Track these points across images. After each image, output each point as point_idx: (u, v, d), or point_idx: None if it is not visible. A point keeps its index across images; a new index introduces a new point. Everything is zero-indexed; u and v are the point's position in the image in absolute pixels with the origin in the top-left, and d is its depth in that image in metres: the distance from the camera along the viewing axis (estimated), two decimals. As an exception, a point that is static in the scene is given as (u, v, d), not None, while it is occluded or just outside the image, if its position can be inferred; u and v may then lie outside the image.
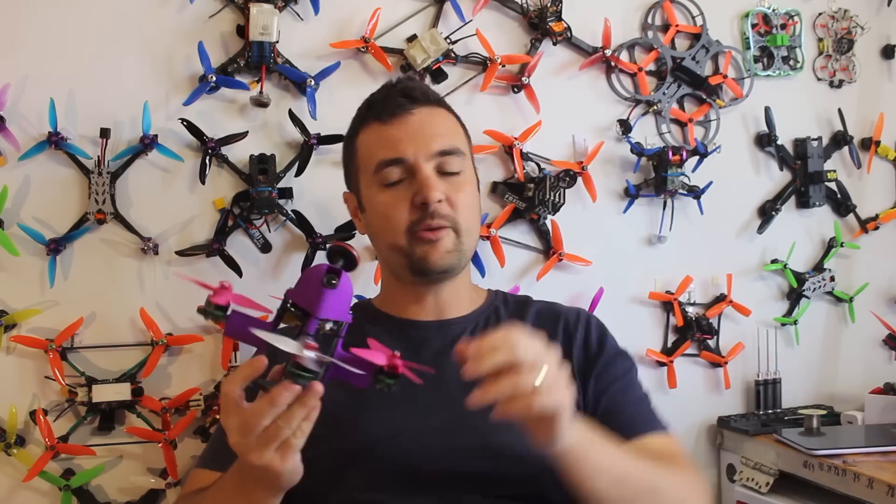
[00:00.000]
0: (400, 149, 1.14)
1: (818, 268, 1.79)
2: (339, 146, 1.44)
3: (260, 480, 0.91)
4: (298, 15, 1.46)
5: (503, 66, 1.53)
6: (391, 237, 1.15)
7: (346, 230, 1.47)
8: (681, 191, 1.64)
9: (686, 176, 1.64)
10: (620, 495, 0.96)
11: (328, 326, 0.88)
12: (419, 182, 1.13)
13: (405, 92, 1.18)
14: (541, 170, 1.57)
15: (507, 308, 1.26)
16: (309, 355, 0.82)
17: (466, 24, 1.52)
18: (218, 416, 1.38)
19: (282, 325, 0.88)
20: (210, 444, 1.22)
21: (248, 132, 1.42)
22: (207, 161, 1.39)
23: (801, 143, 1.75)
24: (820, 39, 1.80)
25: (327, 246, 0.88)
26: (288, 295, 0.87)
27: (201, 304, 0.86)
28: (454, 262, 1.15)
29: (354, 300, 1.42)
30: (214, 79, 1.38)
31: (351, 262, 0.87)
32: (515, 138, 1.54)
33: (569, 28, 1.58)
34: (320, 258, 1.45)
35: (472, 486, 1.07)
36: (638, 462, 1.01)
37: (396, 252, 1.15)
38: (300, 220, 1.44)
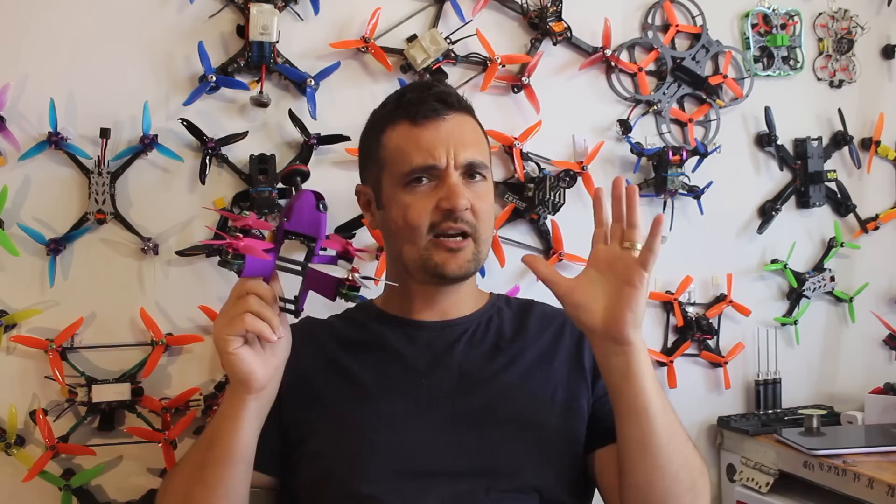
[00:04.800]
0: (434, 155, 1.13)
1: (818, 268, 1.79)
2: (340, 146, 1.45)
3: (227, 372, 1.03)
4: (298, 15, 1.46)
5: (503, 66, 1.53)
6: (411, 237, 1.14)
7: (346, 230, 1.47)
8: (681, 191, 1.64)
9: (686, 176, 1.64)
10: (661, 420, 1.03)
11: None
12: (448, 188, 1.12)
13: (440, 97, 1.17)
14: (541, 170, 1.57)
15: (510, 309, 1.26)
16: (359, 278, 1.03)
17: (466, 24, 1.52)
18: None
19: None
20: None
21: (248, 132, 1.42)
22: (207, 161, 1.39)
23: (801, 143, 1.76)
24: (820, 39, 1.80)
25: (290, 175, 1.11)
26: (287, 227, 1.03)
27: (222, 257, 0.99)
28: (471, 270, 1.16)
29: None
30: (214, 79, 1.38)
31: (306, 176, 1.18)
32: (515, 138, 1.54)
33: (569, 28, 1.58)
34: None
35: (472, 481, 1.08)
36: (672, 408, 1.07)
37: (414, 252, 1.15)
38: (300, 220, 1.44)
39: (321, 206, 1.02)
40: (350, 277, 1.02)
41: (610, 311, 1.01)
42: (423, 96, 1.18)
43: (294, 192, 1.04)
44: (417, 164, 1.14)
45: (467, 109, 1.21)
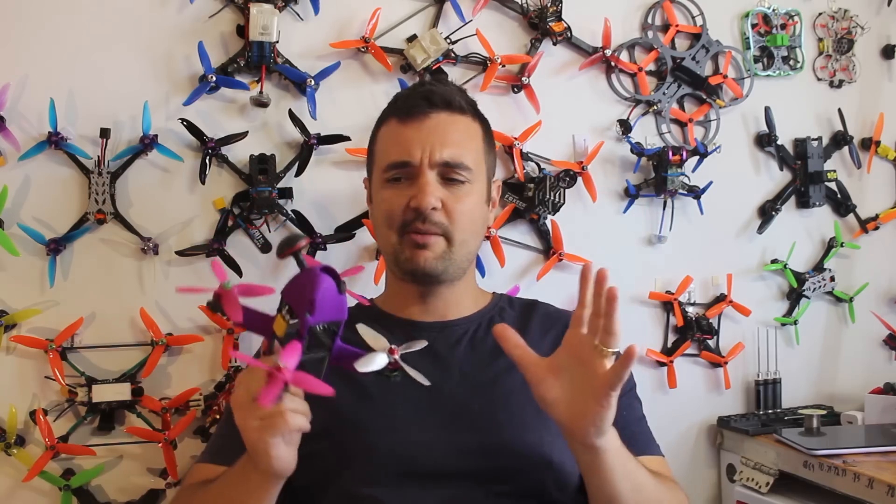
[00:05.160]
0: (409, 151, 1.15)
1: (818, 268, 1.79)
2: (340, 146, 1.46)
3: (255, 462, 0.93)
4: (298, 15, 1.46)
5: (503, 66, 1.53)
6: (386, 233, 1.17)
7: (346, 230, 1.47)
8: (681, 191, 1.63)
9: (686, 176, 1.64)
10: (636, 501, 1.00)
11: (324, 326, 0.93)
12: (417, 186, 1.14)
13: (425, 95, 1.18)
14: (541, 170, 1.57)
15: (512, 309, 1.26)
16: (396, 358, 0.96)
17: (466, 24, 1.52)
18: (218, 416, 1.39)
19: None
20: (213, 439, 1.23)
21: (248, 132, 1.42)
22: (207, 161, 1.39)
23: (801, 143, 1.75)
24: (820, 39, 1.80)
25: (290, 250, 0.95)
26: (312, 322, 0.89)
27: (211, 300, 0.94)
28: (440, 269, 1.15)
29: (355, 301, 1.43)
30: (214, 79, 1.38)
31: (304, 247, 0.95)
32: (515, 138, 1.54)
33: (569, 28, 1.58)
34: (320, 258, 1.45)
35: (471, 483, 1.08)
36: (650, 476, 1.05)
37: (388, 248, 1.18)
38: (300, 220, 1.44)
39: (341, 289, 0.91)
40: (392, 361, 0.96)
41: (574, 418, 0.94)
42: (411, 94, 1.21)
43: (301, 269, 0.92)
44: (393, 160, 1.16)
45: (459, 109, 1.20)
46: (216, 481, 1.06)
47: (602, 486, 0.99)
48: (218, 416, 1.38)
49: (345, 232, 1.47)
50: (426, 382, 1.00)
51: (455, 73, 1.53)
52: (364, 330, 0.98)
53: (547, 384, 0.95)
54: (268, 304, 0.97)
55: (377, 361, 0.93)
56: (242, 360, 0.85)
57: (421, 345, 1.00)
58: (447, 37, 1.50)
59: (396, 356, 0.95)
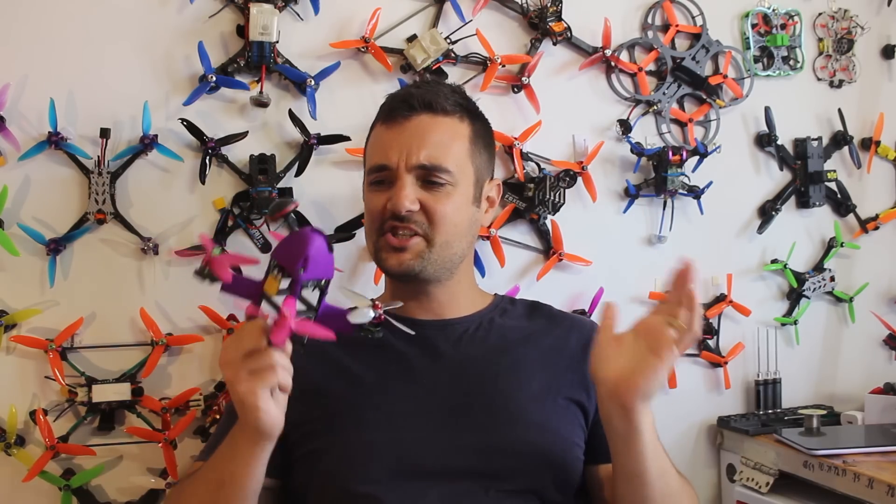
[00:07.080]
0: (388, 155, 1.16)
1: (818, 268, 1.79)
2: (340, 146, 1.46)
3: (244, 419, 0.95)
4: (298, 15, 1.46)
5: (503, 66, 1.53)
6: (369, 234, 1.20)
7: (346, 230, 1.47)
8: (681, 191, 1.63)
9: (686, 176, 1.64)
10: (657, 486, 1.03)
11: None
12: (394, 190, 1.15)
13: (405, 98, 1.19)
14: (541, 170, 1.57)
15: (514, 310, 1.26)
16: (373, 314, 1.00)
17: (466, 24, 1.52)
18: (218, 416, 1.38)
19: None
20: (211, 439, 1.24)
21: (248, 132, 1.42)
22: (207, 161, 1.39)
23: (801, 143, 1.75)
24: (820, 39, 1.80)
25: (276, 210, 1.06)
26: (305, 278, 0.93)
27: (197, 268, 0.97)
28: (417, 268, 1.15)
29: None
30: (214, 79, 1.38)
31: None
32: (515, 138, 1.54)
33: (569, 28, 1.58)
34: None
35: (471, 482, 1.08)
36: (672, 466, 1.08)
37: (371, 248, 1.20)
38: (300, 220, 1.44)
39: (331, 248, 0.96)
40: (378, 315, 0.99)
41: (625, 373, 0.98)
42: (394, 97, 1.22)
43: (291, 231, 0.97)
44: (373, 163, 1.19)
45: (443, 111, 1.18)
46: (208, 460, 1.07)
47: (632, 464, 1.02)
48: (218, 416, 1.38)
49: (345, 232, 1.47)
50: (411, 332, 1.07)
51: (455, 73, 1.53)
52: (347, 292, 1.04)
53: (610, 346, 1.01)
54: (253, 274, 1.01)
55: (366, 314, 0.99)
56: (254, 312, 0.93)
57: (398, 303, 1.06)
58: (447, 37, 1.50)
59: (380, 310, 0.99)
